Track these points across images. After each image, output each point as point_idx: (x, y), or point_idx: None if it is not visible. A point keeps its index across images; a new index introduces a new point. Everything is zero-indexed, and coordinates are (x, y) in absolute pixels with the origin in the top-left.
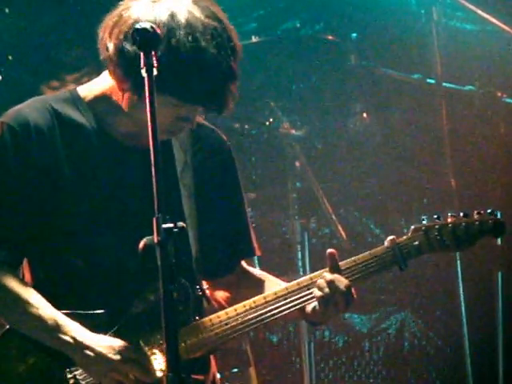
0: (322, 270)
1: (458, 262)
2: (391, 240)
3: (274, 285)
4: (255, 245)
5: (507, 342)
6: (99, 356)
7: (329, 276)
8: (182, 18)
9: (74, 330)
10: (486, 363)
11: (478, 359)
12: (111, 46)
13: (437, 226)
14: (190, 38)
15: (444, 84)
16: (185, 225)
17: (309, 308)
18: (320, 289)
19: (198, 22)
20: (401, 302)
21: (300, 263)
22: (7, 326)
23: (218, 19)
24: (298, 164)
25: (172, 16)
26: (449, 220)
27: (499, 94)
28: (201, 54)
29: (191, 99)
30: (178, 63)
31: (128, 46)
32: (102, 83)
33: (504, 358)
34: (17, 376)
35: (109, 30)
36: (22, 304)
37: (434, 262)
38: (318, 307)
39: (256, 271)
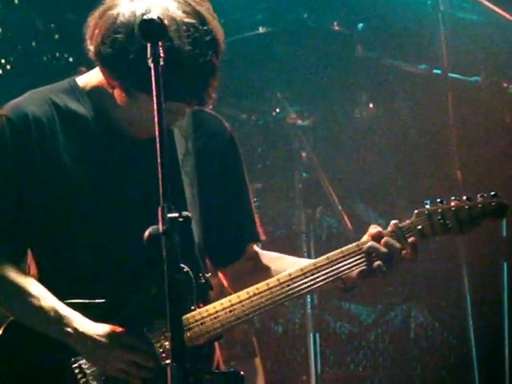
0: (323, 257)
1: (464, 252)
2: (394, 224)
3: (290, 265)
4: (259, 229)
5: None
6: (101, 345)
7: (385, 238)
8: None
9: (76, 320)
10: (491, 353)
11: (483, 349)
12: (92, 49)
13: (440, 210)
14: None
15: (450, 75)
16: (190, 214)
17: (354, 273)
18: (376, 249)
19: (172, 20)
20: (406, 292)
21: (305, 253)
22: (11, 318)
23: (197, 13)
24: (304, 154)
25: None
26: (452, 203)
27: (505, 85)
28: (175, 52)
29: (170, 97)
30: None
31: (107, 48)
32: (100, 73)
33: (510, 348)
34: (22, 366)
35: (90, 32)
36: (24, 295)
37: (439, 252)
38: (370, 270)
39: (273, 254)
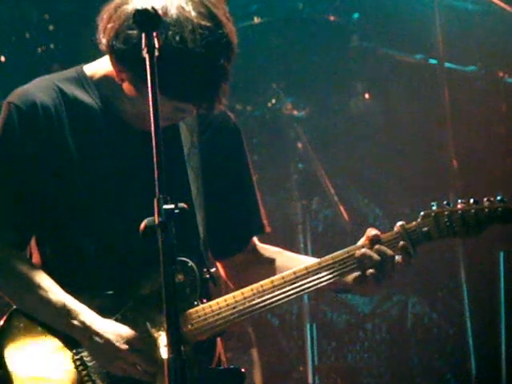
0: (328, 256)
1: (460, 242)
2: (400, 225)
3: (288, 261)
4: (265, 221)
5: (509, 322)
6: (107, 343)
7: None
8: (172, 15)
9: (83, 314)
10: (488, 342)
11: (480, 339)
12: (105, 42)
13: (446, 212)
14: (177, 38)
15: (446, 64)
16: (186, 205)
17: (349, 279)
18: (368, 257)
19: (187, 21)
20: (403, 283)
21: (302, 245)
22: (14, 307)
23: (212, 15)
24: (300, 145)
25: (163, 13)
26: (458, 206)
27: (501, 75)
28: (187, 55)
29: (179, 98)
30: (165, 63)
31: (120, 43)
32: (108, 63)
33: (506, 337)
34: (23, 356)
35: (103, 25)
36: (32, 287)
37: (435, 243)
38: (363, 277)
39: (271, 248)
